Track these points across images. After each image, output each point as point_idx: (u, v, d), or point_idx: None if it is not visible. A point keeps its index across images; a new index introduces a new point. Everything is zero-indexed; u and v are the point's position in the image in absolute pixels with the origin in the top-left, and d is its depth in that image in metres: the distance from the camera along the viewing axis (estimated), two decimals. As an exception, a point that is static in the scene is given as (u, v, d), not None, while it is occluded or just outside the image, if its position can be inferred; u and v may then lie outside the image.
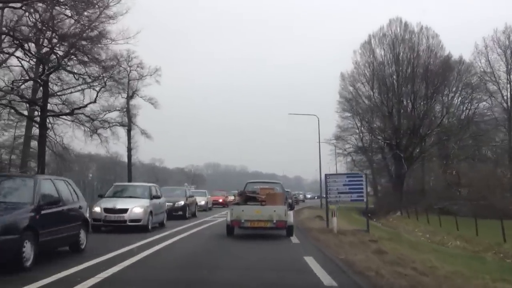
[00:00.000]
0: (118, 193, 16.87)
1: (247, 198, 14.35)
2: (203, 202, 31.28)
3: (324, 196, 28.07)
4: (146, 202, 15.86)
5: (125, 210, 15.13)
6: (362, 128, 52.73)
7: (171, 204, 20.77)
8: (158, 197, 17.49)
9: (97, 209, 15.20)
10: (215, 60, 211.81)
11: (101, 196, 17.04)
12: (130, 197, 16.22)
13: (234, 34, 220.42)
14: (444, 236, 25.24)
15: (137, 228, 14.88)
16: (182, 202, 22.37)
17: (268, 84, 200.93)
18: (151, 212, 15.76)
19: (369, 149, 58.19)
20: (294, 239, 13.84)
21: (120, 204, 15.40)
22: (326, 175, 19.06)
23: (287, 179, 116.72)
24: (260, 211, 13.68)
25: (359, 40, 56.46)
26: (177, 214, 21.37)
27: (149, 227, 15.50)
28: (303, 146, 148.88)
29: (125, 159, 48.47)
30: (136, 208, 15.30)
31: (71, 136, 30.79)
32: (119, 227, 14.83)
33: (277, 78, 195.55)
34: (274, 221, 13.53)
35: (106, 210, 15.09)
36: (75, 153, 37.04)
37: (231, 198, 36.97)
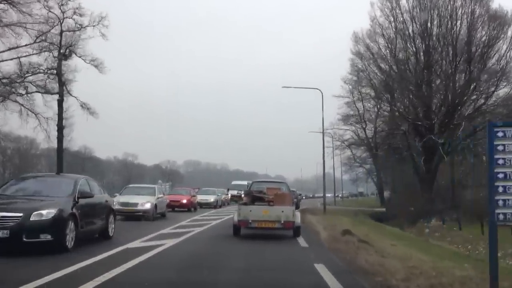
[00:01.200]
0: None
1: (254, 198, 14.15)
2: (148, 206, 19.93)
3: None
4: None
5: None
6: (378, 108, 42.88)
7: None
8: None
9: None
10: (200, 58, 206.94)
11: None
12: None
13: (216, 33, 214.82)
14: None
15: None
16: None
17: (252, 83, 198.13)
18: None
19: (373, 140, 52.17)
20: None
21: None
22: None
23: (268, 177, 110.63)
24: (268, 212, 13.59)
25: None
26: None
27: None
28: (285, 146, 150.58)
29: (97, 154, 43.04)
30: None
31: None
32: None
33: (264, 78, 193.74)
34: (282, 222, 13.43)
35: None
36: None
37: (209, 198, 34.43)
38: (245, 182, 36.92)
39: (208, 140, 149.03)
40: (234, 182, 42.33)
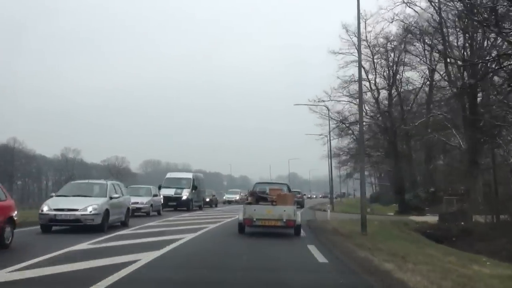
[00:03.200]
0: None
1: (258, 198, 15.38)
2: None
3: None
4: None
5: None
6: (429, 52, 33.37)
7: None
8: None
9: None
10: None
11: None
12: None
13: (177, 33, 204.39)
14: None
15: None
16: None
17: (215, 82, 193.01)
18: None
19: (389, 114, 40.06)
20: None
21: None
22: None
23: (232, 179, 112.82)
24: (271, 211, 14.54)
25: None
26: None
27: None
28: (250, 146, 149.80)
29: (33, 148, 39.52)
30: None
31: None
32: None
33: (230, 77, 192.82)
34: (284, 220, 14.39)
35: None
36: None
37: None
38: (188, 175, 33.61)
39: (170, 139, 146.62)
40: (170, 175, 33.59)
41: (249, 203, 15.13)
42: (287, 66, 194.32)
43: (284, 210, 14.45)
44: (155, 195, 26.26)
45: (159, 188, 29.41)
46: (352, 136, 46.49)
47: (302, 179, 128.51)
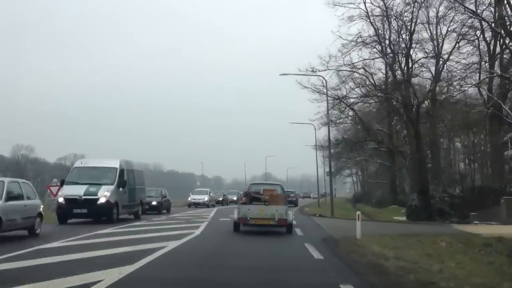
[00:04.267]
0: None
1: (252, 198, 16.17)
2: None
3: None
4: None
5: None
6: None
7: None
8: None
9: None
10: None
11: None
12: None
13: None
14: None
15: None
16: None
17: (189, 80, 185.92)
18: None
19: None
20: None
21: None
22: None
23: (206, 180, 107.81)
24: (264, 210, 15.40)
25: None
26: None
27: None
28: (223, 146, 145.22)
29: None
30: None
31: None
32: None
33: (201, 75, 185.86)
34: (276, 219, 15.20)
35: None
36: None
37: None
38: (111, 163, 20.42)
39: (138, 141, 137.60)
40: (80, 164, 21.37)
41: (244, 203, 16.19)
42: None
43: (276, 210, 15.29)
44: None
45: (62, 184, 19.67)
46: (354, 118, 36.90)
47: (277, 179, 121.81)
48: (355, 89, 33.16)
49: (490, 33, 27.34)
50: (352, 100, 34.04)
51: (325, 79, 31.07)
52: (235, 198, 47.47)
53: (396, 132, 40.04)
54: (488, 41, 29.05)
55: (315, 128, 41.94)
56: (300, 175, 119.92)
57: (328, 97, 31.92)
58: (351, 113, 37.54)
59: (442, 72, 29.78)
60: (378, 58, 31.43)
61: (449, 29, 28.89)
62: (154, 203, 27.95)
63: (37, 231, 13.97)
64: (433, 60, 30.36)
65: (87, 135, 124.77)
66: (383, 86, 32.95)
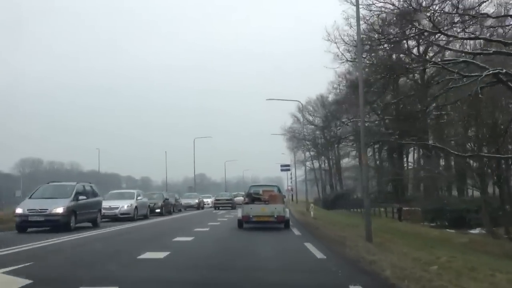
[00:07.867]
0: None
1: (253, 198, 18.67)
2: None
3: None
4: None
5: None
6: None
7: None
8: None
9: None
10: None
11: None
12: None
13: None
14: None
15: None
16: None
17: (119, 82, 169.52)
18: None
19: None
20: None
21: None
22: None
23: (132, 181, 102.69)
24: (264, 209, 17.68)
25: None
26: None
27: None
28: (151, 145, 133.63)
29: None
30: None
31: None
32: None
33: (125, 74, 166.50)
34: (275, 216, 17.38)
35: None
36: None
37: None
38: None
39: (55, 141, 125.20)
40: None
41: (247, 203, 18.48)
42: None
43: (275, 208, 17.54)
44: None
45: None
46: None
47: (211, 181, 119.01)
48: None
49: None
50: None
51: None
52: (196, 201, 46.08)
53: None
54: None
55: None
56: (237, 176, 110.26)
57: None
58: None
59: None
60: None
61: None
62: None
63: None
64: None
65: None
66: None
